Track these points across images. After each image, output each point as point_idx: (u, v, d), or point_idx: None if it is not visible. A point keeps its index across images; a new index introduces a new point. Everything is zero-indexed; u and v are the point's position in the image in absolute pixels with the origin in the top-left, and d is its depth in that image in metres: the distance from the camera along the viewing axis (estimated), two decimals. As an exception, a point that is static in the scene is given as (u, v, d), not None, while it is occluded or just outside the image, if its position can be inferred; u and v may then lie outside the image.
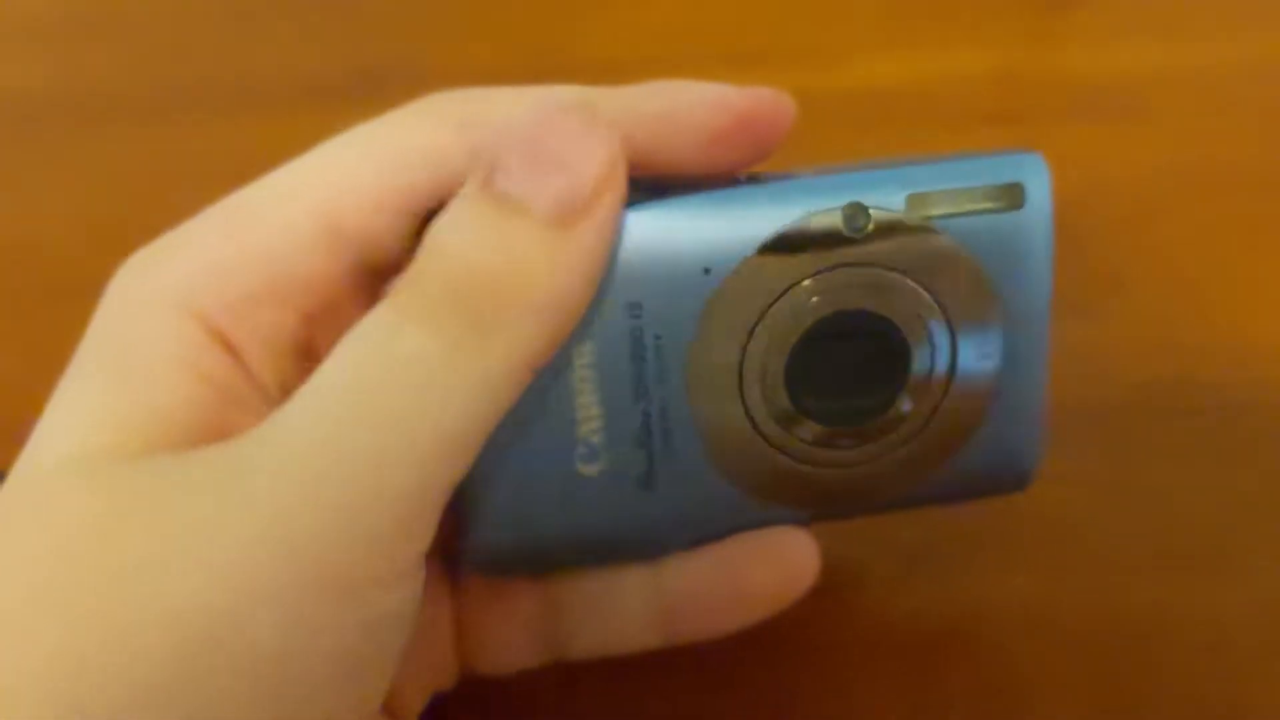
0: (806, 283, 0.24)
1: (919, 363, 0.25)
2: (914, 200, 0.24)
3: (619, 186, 0.20)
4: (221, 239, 0.21)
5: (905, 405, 0.25)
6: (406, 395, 0.18)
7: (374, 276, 0.22)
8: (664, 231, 0.23)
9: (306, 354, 0.22)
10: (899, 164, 0.24)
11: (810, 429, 0.25)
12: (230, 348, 0.21)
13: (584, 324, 0.21)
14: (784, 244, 0.23)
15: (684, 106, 0.22)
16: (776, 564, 0.26)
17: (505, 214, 0.19)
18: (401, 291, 0.19)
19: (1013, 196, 0.24)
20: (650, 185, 0.23)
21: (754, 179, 0.24)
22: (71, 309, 0.23)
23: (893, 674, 0.28)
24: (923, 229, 0.24)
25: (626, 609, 0.26)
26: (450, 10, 0.53)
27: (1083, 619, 0.29)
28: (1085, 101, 0.46)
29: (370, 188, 0.21)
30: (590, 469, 0.24)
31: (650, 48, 0.49)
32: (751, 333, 0.24)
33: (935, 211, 0.24)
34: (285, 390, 0.21)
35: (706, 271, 0.23)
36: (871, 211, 0.23)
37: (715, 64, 0.48)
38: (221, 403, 0.20)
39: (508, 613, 0.26)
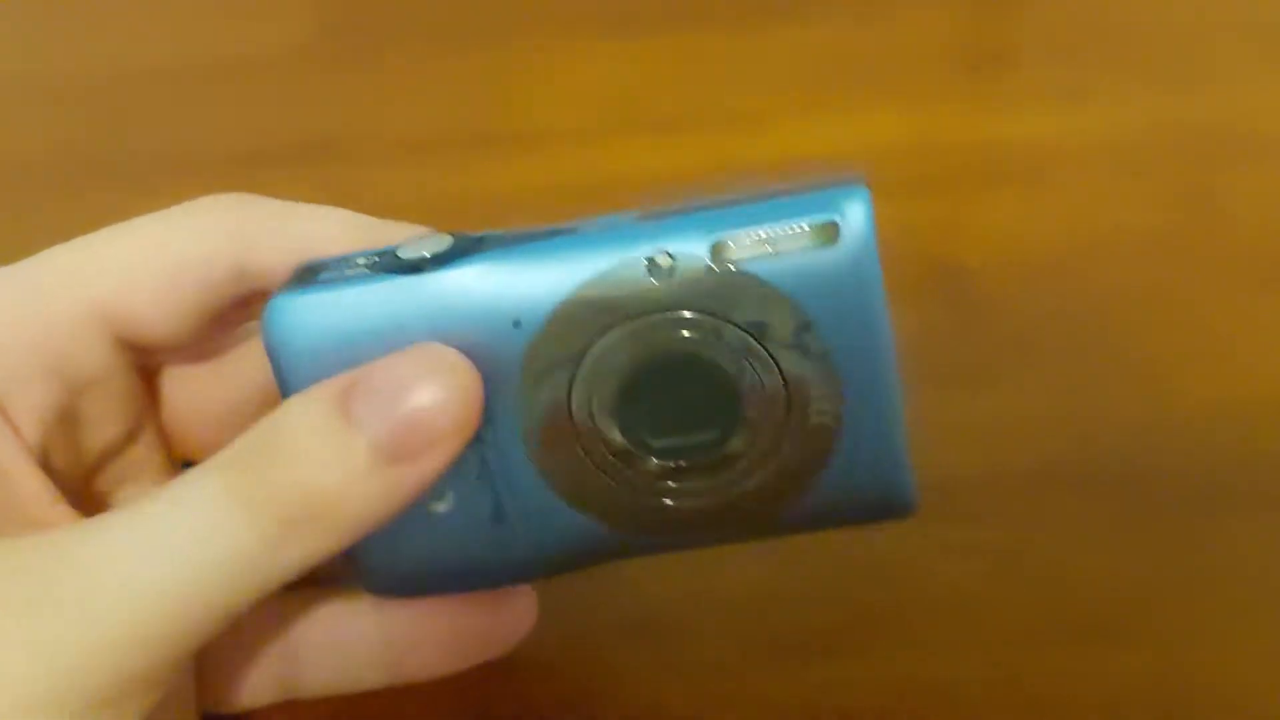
0: (619, 329, 0.24)
1: (748, 399, 0.25)
2: (718, 247, 0.23)
3: (458, 445, 0.22)
4: (4, 320, 0.25)
5: (741, 441, 0.26)
6: (204, 569, 0.21)
7: (141, 351, 0.26)
8: (476, 287, 0.24)
9: (71, 418, 0.26)
10: (709, 205, 0.24)
11: (652, 465, 0.26)
12: (2, 410, 0.25)
13: None
14: (590, 294, 0.24)
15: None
16: (495, 611, 0.27)
17: (350, 434, 0.21)
18: (237, 468, 0.21)
19: (825, 234, 0.23)
20: (470, 238, 0.24)
21: (566, 229, 0.24)
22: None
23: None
24: (730, 273, 0.24)
25: (355, 650, 0.27)
26: (387, 81, 0.53)
27: (982, 691, 0.29)
28: (999, 168, 0.47)
29: (148, 288, 0.25)
30: (440, 506, 0.25)
31: (580, 117, 0.50)
32: (572, 379, 0.25)
33: (740, 256, 0.23)
34: (45, 450, 0.25)
35: (516, 324, 0.24)
36: (676, 260, 0.24)
37: (642, 132, 0.49)
38: None
39: (243, 654, 0.28)
